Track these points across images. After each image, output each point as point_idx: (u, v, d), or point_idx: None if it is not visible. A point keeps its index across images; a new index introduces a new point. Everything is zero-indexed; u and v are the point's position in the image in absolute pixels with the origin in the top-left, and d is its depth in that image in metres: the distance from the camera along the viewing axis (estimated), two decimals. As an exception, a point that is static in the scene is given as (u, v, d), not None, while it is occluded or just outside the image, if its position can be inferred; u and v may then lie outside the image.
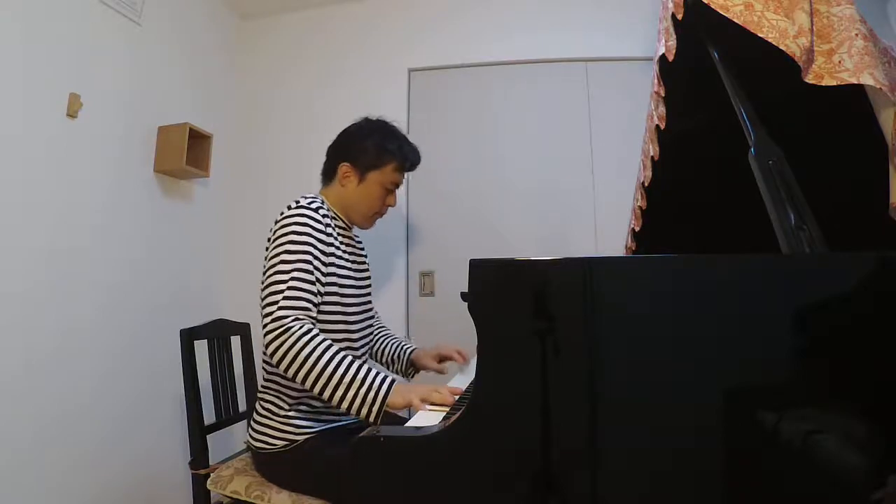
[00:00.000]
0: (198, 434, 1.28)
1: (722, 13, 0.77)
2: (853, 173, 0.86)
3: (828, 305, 0.59)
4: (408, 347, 1.43)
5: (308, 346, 0.98)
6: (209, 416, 1.33)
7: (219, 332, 1.47)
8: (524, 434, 0.62)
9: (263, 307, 1.04)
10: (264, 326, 1.02)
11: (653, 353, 0.61)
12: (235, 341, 1.58)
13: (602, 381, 0.61)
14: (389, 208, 1.33)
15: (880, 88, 0.67)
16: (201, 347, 1.38)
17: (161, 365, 1.73)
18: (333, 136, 1.35)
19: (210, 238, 2.11)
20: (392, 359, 1.42)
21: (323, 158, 1.33)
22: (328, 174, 1.31)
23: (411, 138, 2.11)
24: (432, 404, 0.96)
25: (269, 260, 1.10)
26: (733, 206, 1.07)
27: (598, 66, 2.09)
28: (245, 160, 2.27)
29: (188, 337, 1.33)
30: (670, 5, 0.90)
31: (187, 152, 1.79)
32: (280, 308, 1.02)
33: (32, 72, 1.38)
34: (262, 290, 1.07)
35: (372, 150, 1.26)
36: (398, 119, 2.19)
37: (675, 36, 0.92)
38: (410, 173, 1.39)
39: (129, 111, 1.72)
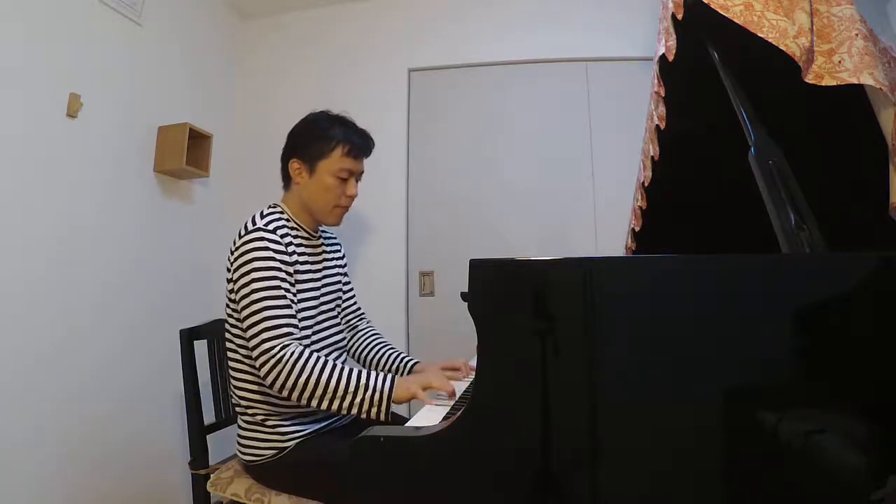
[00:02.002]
0: (198, 434, 1.27)
1: (722, 13, 0.77)
2: (853, 173, 0.86)
3: (828, 306, 0.59)
4: (408, 359, 1.39)
5: (305, 371, 1.01)
6: (209, 416, 1.33)
7: (219, 332, 1.46)
8: (524, 434, 0.62)
9: (249, 339, 1.06)
10: (256, 360, 1.05)
11: (653, 353, 0.61)
12: (235, 341, 1.58)
13: (602, 381, 0.61)
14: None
15: (880, 88, 0.67)
16: (201, 347, 1.38)
17: (161, 365, 1.73)
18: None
19: (210, 238, 2.10)
20: (391, 370, 1.38)
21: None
22: (285, 178, 1.30)
23: (411, 138, 2.15)
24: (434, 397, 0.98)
25: (239, 290, 1.09)
26: (733, 206, 1.07)
27: (598, 66, 2.09)
28: (245, 160, 2.27)
29: (188, 337, 1.33)
30: (670, 5, 0.90)
31: (187, 152, 1.79)
32: (265, 340, 1.04)
33: (32, 72, 1.38)
34: (243, 323, 1.08)
35: (316, 139, 1.23)
36: (398, 119, 2.20)
37: (675, 36, 0.92)
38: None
39: (129, 111, 1.72)
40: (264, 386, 1.13)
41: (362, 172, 1.30)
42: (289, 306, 1.09)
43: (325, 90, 2.21)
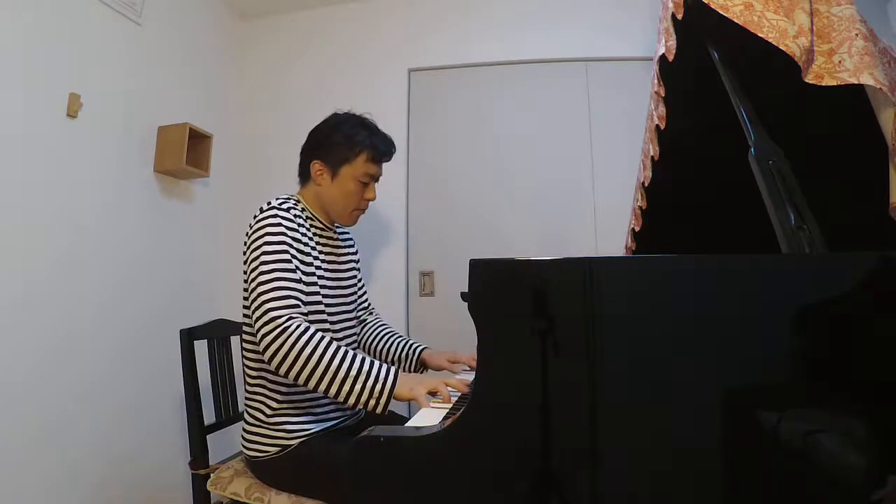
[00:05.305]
0: (198, 434, 1.27)
1: (722, 13, 0.77)
2: (853, 173, 0.86)
3: (828, 306, 0.59)
4: (416, 345, 1.40)
5: (308, 346, 0.96)
6: (209, 416, 1.33)
7: (219, 332, 1.46)
8: (524, 434, 0.62)
9: (253, 311, 1.02)
10: (258, 330, 0.99)
11: (653, 352, 0.61)
12: (235, 341, 1.57)
13: (602, 381, 0.61)
14: (371, 203, 1.31)
15: (880, 88, 0.67)
16: (201, 347, 1.37)
17: (161, 365, 1.73)
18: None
19: (210, 238, 2.11)
20: (399, 357, 1.40)
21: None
22: (303, 175, 1.30)
23: (411, 138, 2.15)
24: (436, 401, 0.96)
25: (249, 264, 1.09)
26: (733, 206, 1.07)
27: (598, 66, 2.09)
28: (245, 160, 2.27)
29: (188, 337, 1.33)
30: (670, 5, 0.90)
31: (187, 152, 1.79)
32: (272, 309, 0.99)
33: (32, 72, 1.38)
34: (249, 294, 1.06)
35: (341, 143, 1.24)
36: (398, 119, 2.20)
37: (675, 36, 0.92)
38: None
39: (129, 111, 1.71)
40: (274, 382, 1.13)
41: (381, 175, 1.31)
42: (298, 280, 1.07)
43: (324, 90, 2.21)
